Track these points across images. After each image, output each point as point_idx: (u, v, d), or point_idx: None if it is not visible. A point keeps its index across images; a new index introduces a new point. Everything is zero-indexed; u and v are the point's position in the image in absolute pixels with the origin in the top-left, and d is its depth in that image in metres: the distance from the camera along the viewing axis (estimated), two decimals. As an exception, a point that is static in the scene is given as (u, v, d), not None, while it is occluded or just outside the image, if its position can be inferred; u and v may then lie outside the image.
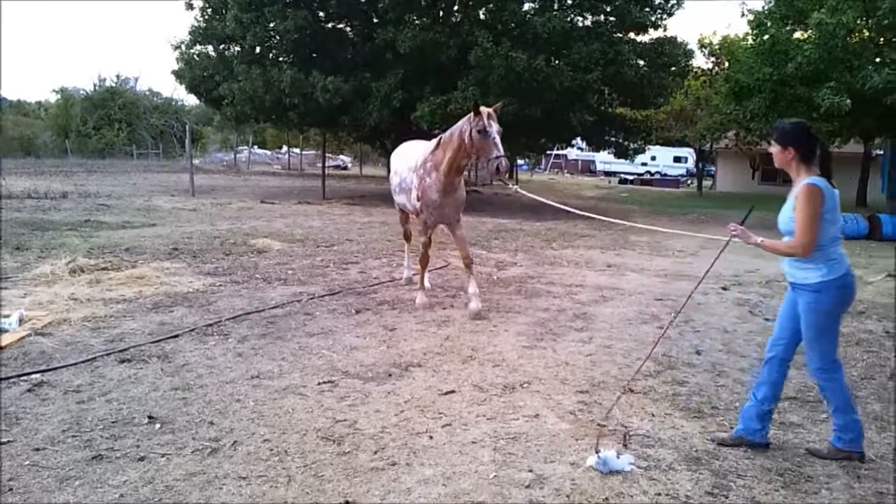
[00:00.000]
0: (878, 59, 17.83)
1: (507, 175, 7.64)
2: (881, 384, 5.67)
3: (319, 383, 5.22)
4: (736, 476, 3.90)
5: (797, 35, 19.92)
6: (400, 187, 8.12)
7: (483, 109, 6.81)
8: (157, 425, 4.36)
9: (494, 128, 6.76)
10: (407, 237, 9.16)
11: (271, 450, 4.09)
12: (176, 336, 6.33)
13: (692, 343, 6.69)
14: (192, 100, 46.87)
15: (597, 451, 3.95)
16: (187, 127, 29.07)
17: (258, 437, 4.27)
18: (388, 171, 9.33)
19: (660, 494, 3.64)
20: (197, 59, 24.74)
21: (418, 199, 7.53)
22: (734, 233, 4.25)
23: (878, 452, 4.31)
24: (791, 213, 4.03)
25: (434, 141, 7.60)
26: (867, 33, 18.48)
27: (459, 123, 7.15)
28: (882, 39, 18.66)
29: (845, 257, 4.10)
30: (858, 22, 17.69)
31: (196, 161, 39.57)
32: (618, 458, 3.94)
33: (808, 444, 4.44)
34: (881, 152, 27.49)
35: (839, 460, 4.18)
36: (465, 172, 7.94)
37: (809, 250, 3.96)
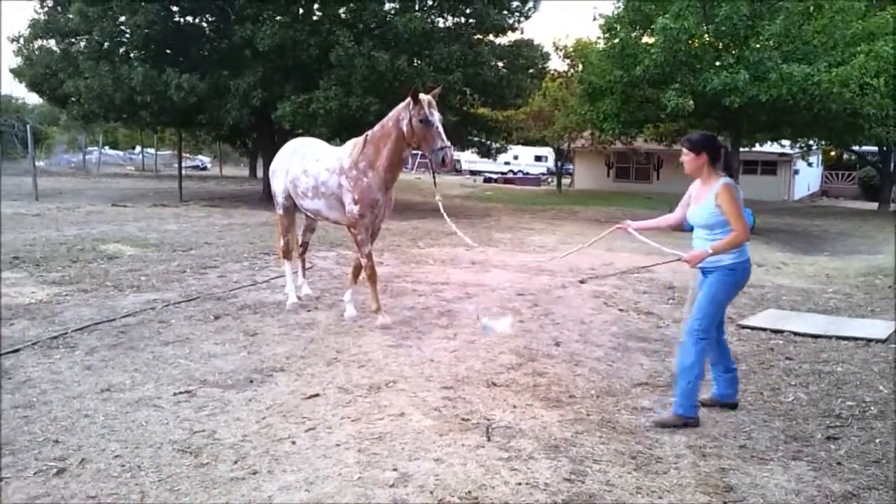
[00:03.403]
0: (717, 63, 19.02)
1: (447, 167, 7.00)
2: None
3: (175, 394, 5.00)
4: (592, 461, 4.06)
5: (645, 39, 20.90)
6: (316, 191, 7.24)
7: (423, 97, 6.45)
8: (-5, 448, 4.04)
9: (436, 116, 6.46)
10: (286, 253, 8.10)
11: (123, 466, 3.89)
12: (17, 350, 5.89)
13: (551, 335, 6.91)
14: (34, 98, 43.76)
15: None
16: (28, 127, 27.10)
17: (109, 453, 4.04)
18: (266, 171, 8.31)
19: (520, 483, 3.73)
20: (38, 54, 23.00)
21: (356, 203, 6.87)
22: (688, 261, 4.76)
23: (722, 431, 4.62)
24: (712, 210, 4.65)
25: (359, 139, 7.06)
26: (707, 38, 19.66)
27: (392, 114, 6.76)
28: (720, 45, 19.92)
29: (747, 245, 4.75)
30: (699, 28, 18.80)
31: (40, 163, 37.02)
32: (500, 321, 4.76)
33: (655, 417, 4.77)
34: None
35: (678, 427, 4.60)
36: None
37: (748, 233, 4.61)
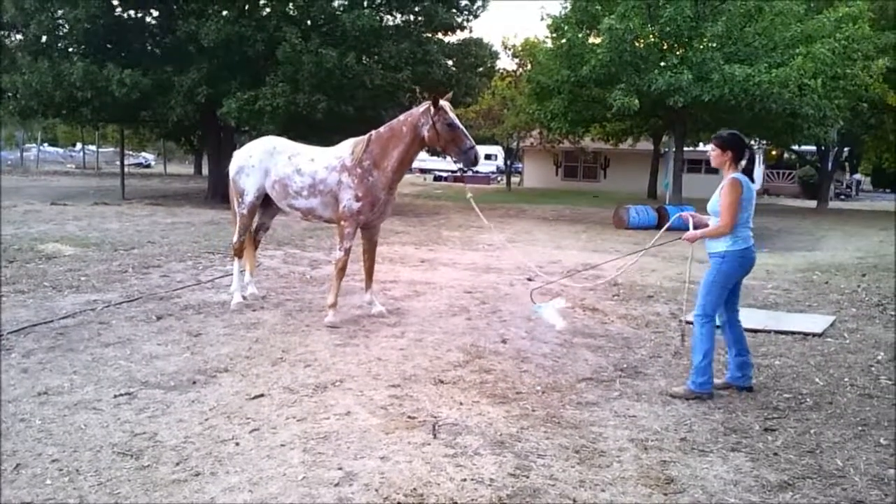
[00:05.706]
0: (661, 63, 19.37)
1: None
2: (667, 361, 6.20)
3: (116, 396, 4.89)
4: (537, 456, 4.10)
5: (591, 39, 21.17)
6: (312, 190, 7.21)
7: (444, 103, 6.77)
8: (-79, 456, 3.89)
9: (457, 119, 6.80)
10: (239, 251, 7.94)
11: (61, 470, 3.79)
12: (-54, 354, 5.69)
13: (498, 332, 6.96)
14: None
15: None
16: (-39, 123, 26.21)
17: (46, 457, 3.93)
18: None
19: (465, 480, 3.75)
20: (-29, 48, 22.26)
21: (358, 200, 6.99)
22: (686, 239, 5.38)
23: (663, 425, 4.70)
24: (718, 199, 5.18)
25: (362, 138, 7.13)
26: (652, 39, 20.00)
27: (406, 119, 6.99)
28: (665, 45, 20.29)
29: (750, 237, 5.22)
30: (644, 28, 19.12)
31: (-26, 160, 35.83)
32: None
33: (671, 390, 5.31)
34: (667, 150, 30.07)
35: (690, 399, 5.16)
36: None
37: (731, 227, 5.10)
